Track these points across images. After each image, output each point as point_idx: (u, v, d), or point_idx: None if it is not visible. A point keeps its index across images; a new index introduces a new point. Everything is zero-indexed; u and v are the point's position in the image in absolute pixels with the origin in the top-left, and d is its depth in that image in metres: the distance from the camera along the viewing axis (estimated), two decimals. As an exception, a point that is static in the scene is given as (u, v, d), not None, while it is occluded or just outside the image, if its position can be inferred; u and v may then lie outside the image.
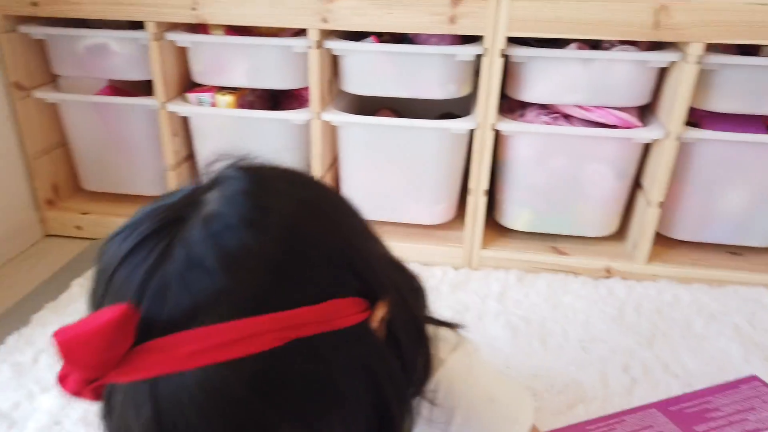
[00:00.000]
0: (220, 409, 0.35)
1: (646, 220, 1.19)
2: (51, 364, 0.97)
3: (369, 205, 1.30)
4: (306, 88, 1.22)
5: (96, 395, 0.39)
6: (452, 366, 0.56)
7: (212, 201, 0.41)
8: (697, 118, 1.19)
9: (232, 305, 0.36)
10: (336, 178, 1.35)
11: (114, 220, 1.37)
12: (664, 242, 1.26)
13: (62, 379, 0.39)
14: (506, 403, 0.58)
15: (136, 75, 1.28)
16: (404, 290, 0.52)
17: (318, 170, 1.26)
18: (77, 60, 1.29)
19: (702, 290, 1.18)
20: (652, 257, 1.23)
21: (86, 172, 1.45)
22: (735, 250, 1.26)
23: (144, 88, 1.30)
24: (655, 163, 1.15)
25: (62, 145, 1.43)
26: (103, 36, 1.24)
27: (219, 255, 0.37)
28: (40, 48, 1.31)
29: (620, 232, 1.30)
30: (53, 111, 1.37)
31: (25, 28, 1.25)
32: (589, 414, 0.88)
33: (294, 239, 0.41)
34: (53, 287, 1.20)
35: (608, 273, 1.24)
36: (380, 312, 0.45)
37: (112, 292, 0.39)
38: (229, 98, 1.26)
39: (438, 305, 1.11)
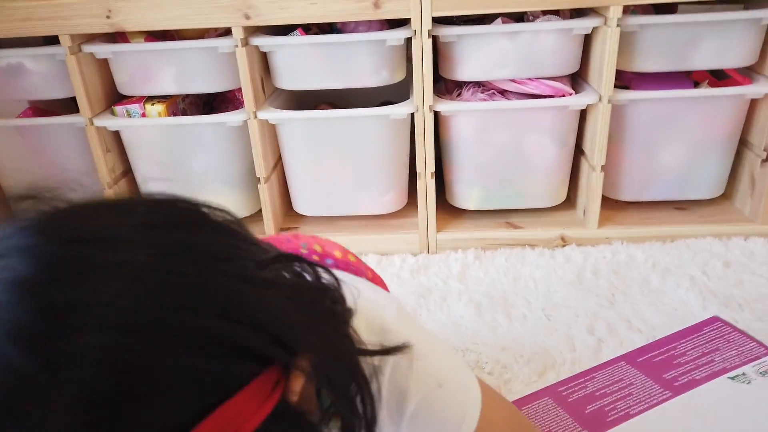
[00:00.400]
0: None
1: (591, 185, 1.20)
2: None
3: (318, 201, 1.29)
4: (239, 90, 1.19)
5: None
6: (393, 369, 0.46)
7: None
8: (627, 81, 1.21)
9: None
10: (282, 178, 1.32)
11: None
12: (612, 205, 1.28)
13: None
14: (456, 379, 0.51)
15: (57, 93, 1.22)
16: (324, 328, 0.38)
17: (262, 171, 1.22)
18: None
19: (654, 247, 1.20)
20: (603, 221, 1.24)
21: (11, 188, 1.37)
22: (681, 206, 1.29)
23: (69, 105, 1.25)
24: (593, 128, 1.17)
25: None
26: (16, 55, 1.18)
27: None
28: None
29: (570, 201, 1.31)
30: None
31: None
32: (560, 378, 0.88)
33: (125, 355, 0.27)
34: None
35: (563, 241, 1.25)
36: (298, 381, 0.34)
37: None
38: (159, 107, 1.22)
39: (400, 291, 1.10)
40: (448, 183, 1.29)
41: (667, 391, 0.68)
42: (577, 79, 1.23)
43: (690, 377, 0.69)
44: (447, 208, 1.32)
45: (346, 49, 1.13)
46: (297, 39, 1.12)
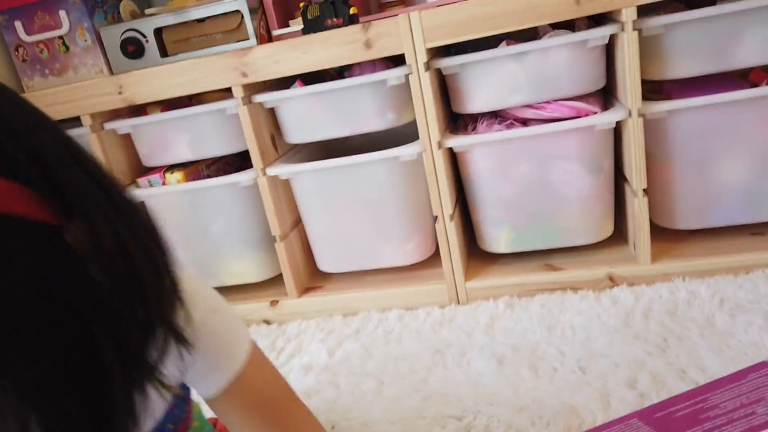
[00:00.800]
0: None
1: (636, 212, 1.04)
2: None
3: (341, 257, 1.22)
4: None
5: None
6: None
7: None
8: (667, 92, 1.06)
9: None
10: (304, 236, 1.27)
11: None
12: (670, 236, 1.10)
13: None
14: (228, 312, 0.53)
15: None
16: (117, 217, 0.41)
17: (276, 229, 1.18)
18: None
19: (724, 281, 1.00)
20: (658, 255, 1.06)
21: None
22: (757, 230, 1.08)
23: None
24: (628, 147, 1.02)
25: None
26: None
27: None
28: None
29: (620, 235, 1.15)
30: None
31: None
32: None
33: None
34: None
35: (612, 282, 1.08)
36: (78, 232, 0.36)
37: None
38: (178, 175, 1.23)
39: (416, 348, 0.99)
40: (475, 225, 1.18)
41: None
42: (609, 97, 1.10)
43: None
44: (480, 255, 1.21)
45: (347, 95, 1.09)
46: (295, 91, 1.10)
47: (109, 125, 1.21)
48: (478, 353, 0.95)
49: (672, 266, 1.04)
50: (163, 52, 1.37)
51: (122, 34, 1.37)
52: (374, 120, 1.11)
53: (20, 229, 0.34)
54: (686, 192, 1.05)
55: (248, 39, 1.31)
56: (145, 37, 1.36)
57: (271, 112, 1.18)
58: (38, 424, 0.33)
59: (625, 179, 1.10)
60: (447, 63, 1.03)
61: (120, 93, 1.15)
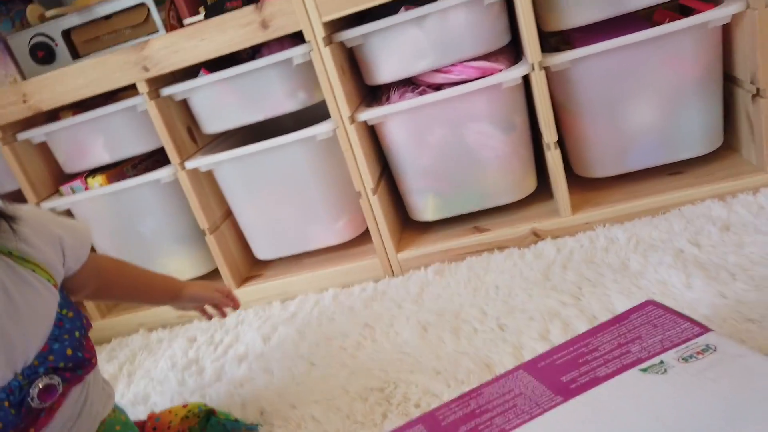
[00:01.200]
0: None
1: (551, 165, 1.04)
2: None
3: (274, 243, 1.22)
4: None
5: None
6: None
7: None
8: (573, 41, 1.06)
9: None
10: (236, 226, 1.26)
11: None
12: (589, 185, 1.11)
13: None
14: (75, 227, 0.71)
15: (8, 186, 1.25)
16: None
17: (204, 223, 1.18)
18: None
19: (641, 224, 1.01)
20: (579, 205, 1.07)
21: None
22: (673, 170, 1.09)
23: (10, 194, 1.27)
24: (538, 102, 1.02)
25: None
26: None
27: None
28: None
29: (544, 190, 1.15)
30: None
31: None
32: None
33: None
34: None
35: (536, 236, 1.08)
36: None
37: None
38: (99, 179, 1.21)
39: (347, 326, 0.99)
40: (403, 195, 1.18)
41: (557, 397, 0.52)
42: (520, 54, 1.09)
43: (592, 376, 0.53)
44: (412, 225, 1.21)
45: (254, 78, 1.07)
46: (201, 80, 1.08)
47: (22, 135, 1.18)
48: (404, 323, 0.96)
49: (592, 215, 1.05)
50: (75, 54, 1.34)
51: (30, 39, 1.33)
52: (286, 101, 1.09)
53: None
54: (600, 139, 1.06)
55: (158, 31, 1.29)
56: (53, 40, 1.32)
57: (185, 105, 1.16)
58: None
59: (540, 135, 1.10)
60: (347, 35, 1.02)
61: (25, 101, 1.12)
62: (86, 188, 1.22)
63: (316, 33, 1.00)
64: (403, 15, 0.99)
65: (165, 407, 0.93)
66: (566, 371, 0.56)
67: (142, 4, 1.27)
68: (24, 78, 1.36)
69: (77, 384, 0.65)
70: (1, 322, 0.58)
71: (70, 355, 0.63)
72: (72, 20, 1.29)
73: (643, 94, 1.02)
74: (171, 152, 1.13)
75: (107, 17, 1.30)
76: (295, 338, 1.02)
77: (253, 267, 1.29)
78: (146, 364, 1.11)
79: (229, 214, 1.26)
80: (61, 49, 1.33)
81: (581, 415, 0.50)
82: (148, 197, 1.20)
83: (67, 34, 1.32)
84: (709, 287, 0.79)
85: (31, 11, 1.40)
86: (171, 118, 1.13)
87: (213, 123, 1.14)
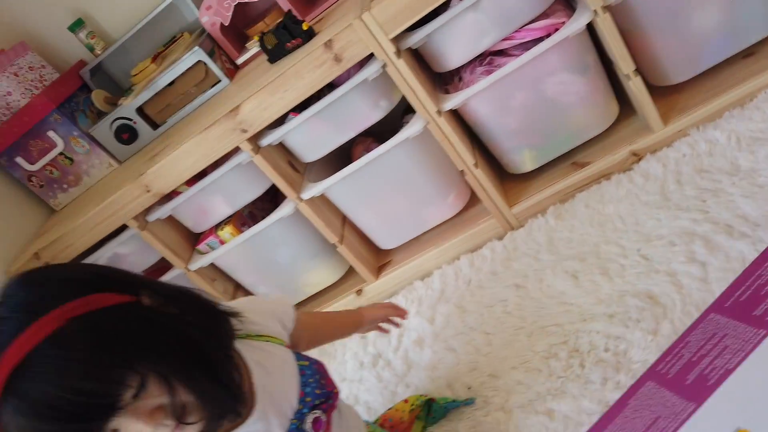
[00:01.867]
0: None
1: (635, 93, 1.10)
2: None
3: (395, 233, 1.34)
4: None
5: None
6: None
7: None
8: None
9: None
10: (356, 231, 1.38)
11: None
12: (671, 93, 1.17)
13: None
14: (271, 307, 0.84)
15: (150, 260, 1.40)
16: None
17: (333, 237, 1.30)
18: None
19: (733, 118, 1.08)
20: (667, 115, 1.14)
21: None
22: (746, 53, 1.13)
23: (161, 264, 1.42)
24: (605, 42, 1.06)
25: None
26: (109, 250, 1.37)
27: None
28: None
29: (625, 110, 1.21)
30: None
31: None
32: (676, 327, 0.86)
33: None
34: None
35: (636, 156, 1.17)
36: (145, 299, 0.63)
37: None
38: (228, 228, 1.34)
39: (498, 289, 1.12)
40: (498, 157, 1.26)
41: (761, 330, 0.64)
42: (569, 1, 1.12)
43: (734, 346, 0.64)
44: (511, 178, 1.30)
45: (338, 104, 1.14)
46: (292, 123, 1.16)
47: (151, 217, 1.31)
48: (551, 275, 1.08)
49: (683, 122, 1.12)
50: (153, 125, 1.44)
51: (111, 126, 1.43)
52: (372, 113, 1.17)
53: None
54: (671, 49, 1.10)
55: (220, 81, 1.36)
56: (131, 120, 1.42)
57: (281, 144, 1.25)
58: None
59: (609, 60, 1.15)
60: (413, 41, 1.07)
61: (148, 191, 1.24)
62: (220, 241, 1.36)
63: (386, 51, 1.06)
64: (459, 6, 1.04)
65: (378, 404, 1.11)
66: (754, 306, 0.67)
67: (199, 62, 1.34)
68: (118, 160, 1.48)
69: (333, 410, 0.81)
70: (269, 389, 0.72)
71: (319, 393, 0.78)
72: (142, 97, 1.38)
73: (701, -7, 1.05)
74: (286, 190, 1.24)
75: (171, 84, 1.38)
76: (457, 313, 1.16)
77: (379, 257, 1.43)
78: (335, 367, 1.28)
79: (345, 219, 1.38)
80: (140, 124, 1.43)
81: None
82: (277, 232, 1.33)
83: (140, 111, 1.41)
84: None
85: (97, 96, 1.49)
86: (275, 162, 1.23)
87: (311, 153, 1.24)
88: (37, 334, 0.56)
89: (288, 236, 1.35)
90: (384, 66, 1.09)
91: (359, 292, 1.41)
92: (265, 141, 1.19)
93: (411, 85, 1.09)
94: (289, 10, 1.21)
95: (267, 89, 1.11)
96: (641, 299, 0.93)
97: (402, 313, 1.02)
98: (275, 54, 1.19)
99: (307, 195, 1.25)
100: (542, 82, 1.12)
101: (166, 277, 1.41)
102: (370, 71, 1.10)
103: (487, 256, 1.24)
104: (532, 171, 1.27)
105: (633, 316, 0.91)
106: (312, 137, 1.20)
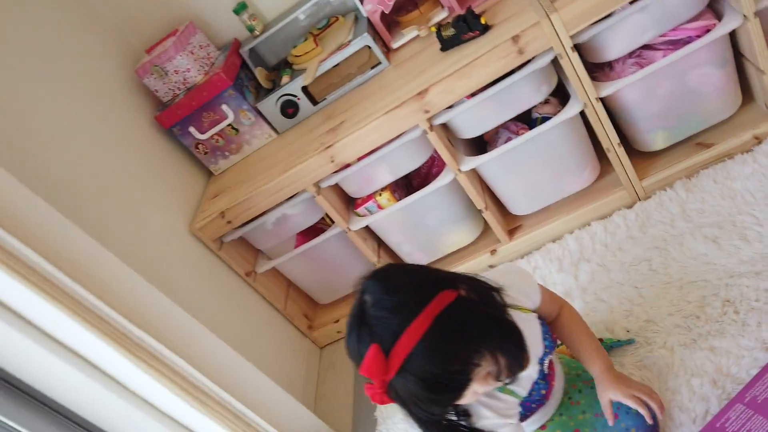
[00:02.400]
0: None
1: (765, 85, 1.30)
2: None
3: (530, 201, 1.55)
4: (425, 164, 1.47)
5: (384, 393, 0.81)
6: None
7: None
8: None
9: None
10: (495, 200, 1.58)
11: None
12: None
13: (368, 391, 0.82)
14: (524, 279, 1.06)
15: (311, 221, 1.60)
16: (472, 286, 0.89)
17: (481, 204, 1.51)
18: (271, 234, 1.63)
19: None
20: (789, 105, 1.33)
21: (317, 293, 1.82)
22: None
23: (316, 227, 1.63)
24: (750, 45, 1.25)
25: (291, 287, 1.81)
26: (278, 211, 1.57)
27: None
28: (245, 242, 1.68)
29: (746, 99, 1.40)
30: (276, 273, 1.75)
31: (228, 237, 1.61)
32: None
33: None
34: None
35: (757, 140, 1.37)
36: (462, 291, 0.85)
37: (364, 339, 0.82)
38: (386, 194, 1.54)
39: (638, 251, 1.33)
40: (631, 137, 1.46)
41: None
42: (715, 5, 1.30)
43: None
44: (640, 156, 1.49)
45: (508, 90, 1.33)
46: (466, 104, 1.35)
47: (324, 184, 1.50)
48: (691, 239, 1.29)
49: (804, 111, 1.32)
50: (314, 102, 1.62)
51: (277, 101, 1.61)
52: (533, 96, 1.36)
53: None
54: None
55: (380, 63, 1.55)
56: (296, 96, 1.61)
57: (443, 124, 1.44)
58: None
59: (742, 56, 1.33)
60: (586, 36, 1.25)
61: (332, 161, 1.43)
62: (378, 206, 1.56)
63: (565, 45, 1.24)
64: (631, 8, 1.22)
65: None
66: None
67: (365, 46, 1.52)
68: (276, 131, 1.67)
69: (552, 355, 1.04)
70: (529, 343, 0.91)
71: (550, 344, 1.01)
72: (310, 77, 1.56)
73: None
74: (449, 161, 1.43)
75: (336, 65, 1.56)
76: (601, 270, 1.38)
77: (511, 221, 1.63)
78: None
79: (486, 188, 1.58)
80: (303, 101, 1.61)
81: None
82: (432, 199, 1.53)
83: (304, 88, 1.59)
84: None
85: (260, 74, 1.68)
86: (443, 138, 1.42)
87: (471, 131, 1.43)
88: (418, 329, 0.79)
89: (440, 202, 1.55)
90: (557, 57, 1.27)
91: (493, 252, 1.62)
92: (439, 120, 1.38)
93: (580, 75, 1.28)
94: (469, 6, 1.39)
95: (454, 76, 1.30)
96: (781, 259, 1.14)
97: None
98: (450, 43, 1.37)
99: (465, 167, 1.45)
100: (688, 74, 1.31)
101: (325, 236, 1.61)
102: (545, 61, 1.28)
103: (620, 223, 1.45)
104: (660, 151, 1.47)
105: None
106: (477, 117, 1.40)
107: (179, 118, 1.62)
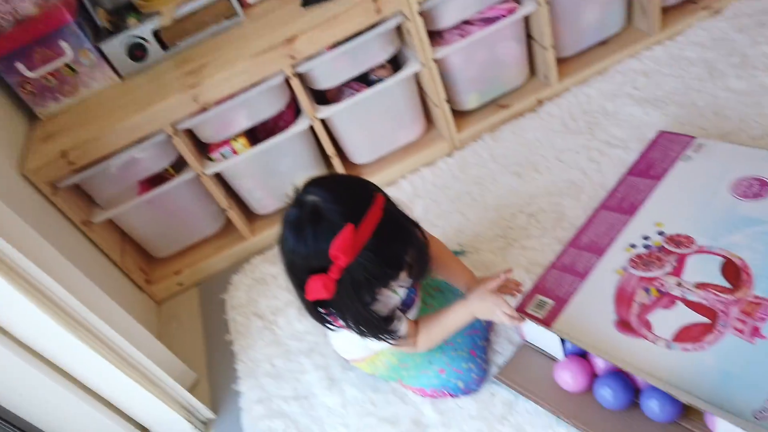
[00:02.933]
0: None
1: (548, 60, 1.72)
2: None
3: (371, 150, 1.77)
4: (278, 115, 1.60)
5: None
6: None
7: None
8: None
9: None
10: (341, 154, 1.77)
11: (204, 263, 1.77)
12: (565, 60, 1.80)
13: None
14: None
15: (158, 166, 1.59)
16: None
17: (331, 150, 1.68)
18: (114, 180, 1.58)
19: (599, 81, 1.76)
20: (560, 77, 1.77)
21: (155, 246, 1.79)
22: (604, 42, 1.82)
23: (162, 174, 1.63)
24: (538, 23, 1.65)
25: (126, 240, 1.75)
26: (126, 154, 1.53)
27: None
28: (81, 190, 1.59)
29: (531, 72, 1.82)
30: (111, 225, 1.68)
31: (65, 182, 1.51)
32: (590, 196, 1.48)
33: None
34: (215, 328, 1.63)
35: (540, 103, 1.79)
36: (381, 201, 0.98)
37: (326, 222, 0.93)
38: (242, 140, 1.62)
39: (461, 187, 1.65)
40: (451, 97, 1.78)
41: (654, 181, 1.28)
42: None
43: (643, 189, 1.29)
44: (456, 114, 1.82)
45: (363, 46, 1.53)
46: (326, 56, 1.52)
47: (181, 126, 1.52)
48: (500, 175, 1.64)
49: (570, 81, 1.77)
50: (164, 47, 1.63)
51: (123, 43, 1.58)
52: (381, 54, 1.58)
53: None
54: (566, 33, 1.74)
55: (237, 15, 1.63)
56: (146, 40, 1.60)
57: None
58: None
59: (531, 38, 1.74)
60: (429, 5, 1.52)
61: (195, 101, 1.46)
62: (233, 151, 1.62)
63: (413, 10, 1.49)
64: (460, -15, 1.52)
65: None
66: (648, 169, 1.31)
67: (224, -5, 1.58)
68: (120, 76, 1.63)
69: None
70: None
71: None
72: (164, 20, 1.56)
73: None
74: (308, 108, 1.58)
75: (193, 13, 1.59)
76: (433, 204, 1.66)
77: (352, 169, 1.83)
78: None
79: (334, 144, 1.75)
80: (153, 45, 1.60)
81: (668, 186, 1.26)
82: (287, 145, 1.65)
83: (156, 33, 1.59)
84: (655, 112, 1.58)
85: (101, 14, 1.62)
86: (302, 86, 1.56)
87: (326, 82, 1.60)
88: (374, 217, 0.94)
89: (293, 149, 1.68)
90: (404, 20, 1.51)
91: (337, 197, 1.80)
92: (302, 68, 1.52)
93: (421, 35, 1.54)
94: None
95: (321, 26, 1.45)
96: (567, 184, 1.54)
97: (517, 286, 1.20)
98: (311, 1, 1.52)
99: (321, 115, 1.61)
100: (496, 46, 1.67)
101: (176, 182, 1.62)
102: (394, 23, 1.51)
103: (444, 168, 1.76)
104: (472, 110, 1.81)
105: (564, 192, 1.52)
106: (333, 70, 1.57)
107: (5, 51, 1.48)
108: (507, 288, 1.17)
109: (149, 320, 1.73)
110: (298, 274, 0.99)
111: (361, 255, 0.93)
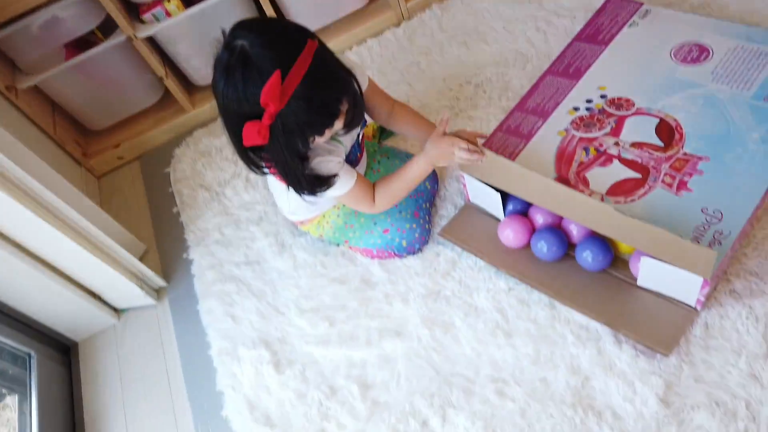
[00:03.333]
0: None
1: None
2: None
3: (318, 16, 1.69)
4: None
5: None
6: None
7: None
8: None
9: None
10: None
11: (144, 136, 1.71)
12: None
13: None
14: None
15: (83, 28, 1.48)
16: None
17: (270, 9, 1.59)
18: (36, 42, 1.46)
19: None
20: None
21: (89, 117, 1.70)
22: None
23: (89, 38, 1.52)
24: None
25: (57, 110, 1.65)
26: (47, 12, 1.40)
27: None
28: (4, 54, 1.46)
29: None
30: (40, 93, 1.58)
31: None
32: (535, 66, 1.49)
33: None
34: (160, 201, 1.60)
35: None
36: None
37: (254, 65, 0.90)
38: (175, 1, 1.51)
39: (410, 56, 1.62)
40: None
41: (602, 46, 1.29)
42: None
43: (589, 55, 1.30)
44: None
45: None
46: None
47: (108, -19, 1.40)
48: (447, 46, 1.62)
49: None
50: None
51: None
52: None
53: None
54: None
55: None
56: None
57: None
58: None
59: None
60: None
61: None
62: (167, 13, 1.52)
63: None
64: None
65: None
66: (596, 36, 1.32)
67: None
68: None
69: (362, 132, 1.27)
70: None
71: (363, 123, 1.20)
72: None
73: None
74: (248, -32, 1.47)
75: None
76: (381, 75, 1.63)
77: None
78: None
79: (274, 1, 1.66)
80: None
81: (613, 51, 1.28)
82: (223, 8, 1.55)
83: None
84: None
85: None
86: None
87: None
88: (305, 62, 0.90)
89: (232, 12, 1.58)
90: None
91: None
92: None
93: None
94: None
95: None
96: (513, 54, 1.54)
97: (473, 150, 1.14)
98: None
99: (261, -26, 1.51)
100: None
101: (105, 46, 1.51)
102: None
103: (391, 38, 1.71)
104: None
105: (510, 62, 1.52)
106: None
107: None
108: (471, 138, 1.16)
109: (90, 194, 1.68)
110: (233, 117, 0.97)
111: (292, 102, 0.91)
